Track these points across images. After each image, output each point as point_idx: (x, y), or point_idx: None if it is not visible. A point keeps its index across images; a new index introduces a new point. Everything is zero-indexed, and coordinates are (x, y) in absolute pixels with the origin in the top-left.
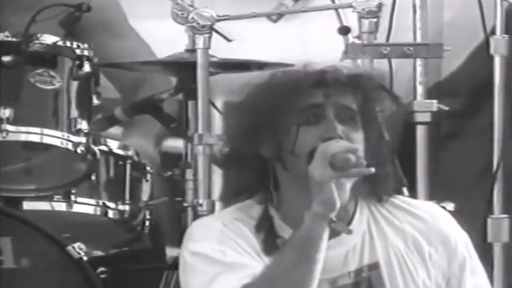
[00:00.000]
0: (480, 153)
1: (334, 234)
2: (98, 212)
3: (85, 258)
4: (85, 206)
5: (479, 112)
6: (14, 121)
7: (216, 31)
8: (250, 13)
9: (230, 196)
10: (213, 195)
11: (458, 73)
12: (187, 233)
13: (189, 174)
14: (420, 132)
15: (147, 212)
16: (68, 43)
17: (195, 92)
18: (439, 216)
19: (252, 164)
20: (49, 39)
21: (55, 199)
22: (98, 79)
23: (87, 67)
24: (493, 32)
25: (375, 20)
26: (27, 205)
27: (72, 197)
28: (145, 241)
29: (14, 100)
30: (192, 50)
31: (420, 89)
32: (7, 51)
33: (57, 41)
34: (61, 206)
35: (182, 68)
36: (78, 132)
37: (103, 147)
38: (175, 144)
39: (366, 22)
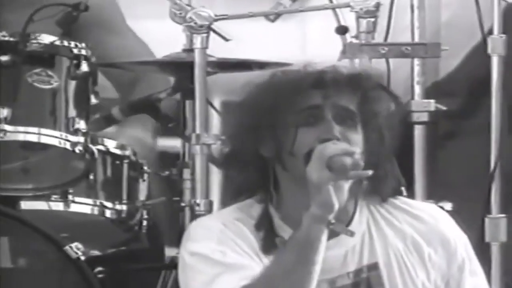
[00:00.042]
0: (478, 153)
1: (333, 234)
2: (96, 212)
3: (82, 258)
4: (82, 205)
5: (476, 111)
6: (12, 121)
7: (214, 31)
8: (247, 12)
9: (230, 196)
10: (211, 194)
11: (455, 73)
12: (187, 233)
13: (186, 173)
14: (418, 132)
15: (145, 212)
16: (65, 43)
17: (192, 91)
18: (439, 218)
19: (253, 164)
20: (46, 38)
21: (52, 199)
22: (96, 79)
23: (84, 67)
24: (490, 32)
25: (373, 19)
26: (24, 205)
27: (70, 197)
28: (143, 240)
29: (12, 99)
30: (189, 50)
31: (418, 89)
32: (4, 50)
33: (55, 41)
34: (58, 206)
35: (180, 68)
36: (76, 132)
37: (101, 147)
38: (172, 143)
39: (364, 22)
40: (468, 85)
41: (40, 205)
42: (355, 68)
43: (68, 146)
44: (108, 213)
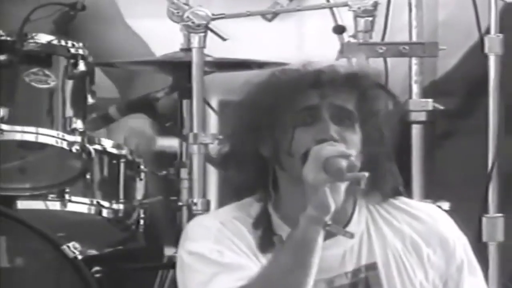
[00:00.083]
0: (475, 152)
1: (331, 234)
2: (93, 211)
3: (79, 257)
4: (79, 205)
5: (474, 111)
6: (9, 120)
7: (211, 30)
8: (245, 12)
9: (229, 196)
10: (208, 194)
11: (453, 72)
12: (185, 232)
13: (184, 173)
14: (416, 131)
15: (142, 211)
16: (62, 42)
17: (190, 91)
18: (438, 218)
19: (251, 164)
20: (43, 38)
21: (49, 198)
22: (93, 78)
23: (82, 66)
24: (487, 31)
25: (370, 19)
26: (21, 204)
27: (66, 196)
28: (140, 240)
29: (9, 99)
30: (187, 49)
31: (415, 88)
32: (1, 50)
33: (52, 40)
34: (55, 205)
35: (177, 67)
36: (73, 131)
37: (97, 146)
38: (170, 143)
39: (361, 21)
40: (466, 84)
41: (37, 204)
42: (352, 68)
43: (65, 145)
44: (105, 213)
